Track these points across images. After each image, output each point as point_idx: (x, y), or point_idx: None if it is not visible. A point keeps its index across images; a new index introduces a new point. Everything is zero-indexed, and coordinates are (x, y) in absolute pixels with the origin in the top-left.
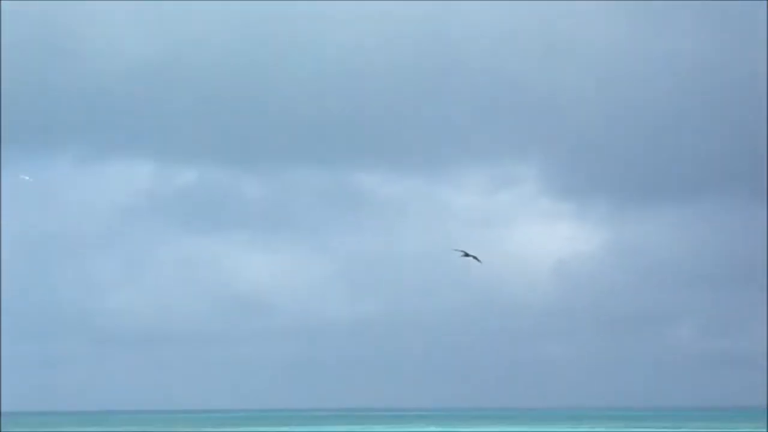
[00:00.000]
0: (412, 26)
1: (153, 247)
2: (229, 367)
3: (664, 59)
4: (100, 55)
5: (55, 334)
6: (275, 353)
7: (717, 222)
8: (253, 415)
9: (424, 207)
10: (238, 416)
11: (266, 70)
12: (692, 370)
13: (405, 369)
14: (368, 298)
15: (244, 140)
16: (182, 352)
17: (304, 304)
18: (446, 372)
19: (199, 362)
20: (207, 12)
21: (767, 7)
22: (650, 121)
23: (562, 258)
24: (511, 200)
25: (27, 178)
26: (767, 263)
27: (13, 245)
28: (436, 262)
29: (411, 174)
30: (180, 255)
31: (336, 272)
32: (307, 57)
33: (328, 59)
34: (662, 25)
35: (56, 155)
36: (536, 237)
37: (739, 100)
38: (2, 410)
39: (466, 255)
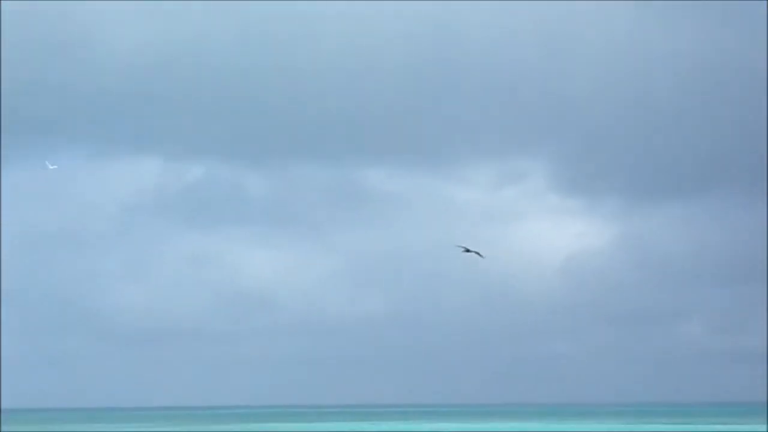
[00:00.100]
0: (417, 23)
1: (157, 243)
2: (233, 364)
3: (676, 51)
4: (105, 52)
5: (60, 331)
6: (280, 350)
7: (726, 219)
8: (257, 412)
9: (430, 203)
10: (242, 413)
11: (271, 68)
12: (701, 366)
13: (410, 366)
14: (373, 294)
15: (249, 137)
16: (186, 349)
17: (308, 300)
18: (452, 369)
19: (203, 359)
20: (212, 9)
21: (767, 7)
22: (660, 115)
23: (570, 254)
24: (519, 196)
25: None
26: None
27: (20, 242)
28: (442, 259)
29: (417, 170)
30: (184, 252)
31: (341, 269)
32: (311, 54)
33: (332, 56)
34: None
35: (62, 152)
36: (544, 233)
37: (740, 99)
38: (4, 407)
39: (468, 251)
